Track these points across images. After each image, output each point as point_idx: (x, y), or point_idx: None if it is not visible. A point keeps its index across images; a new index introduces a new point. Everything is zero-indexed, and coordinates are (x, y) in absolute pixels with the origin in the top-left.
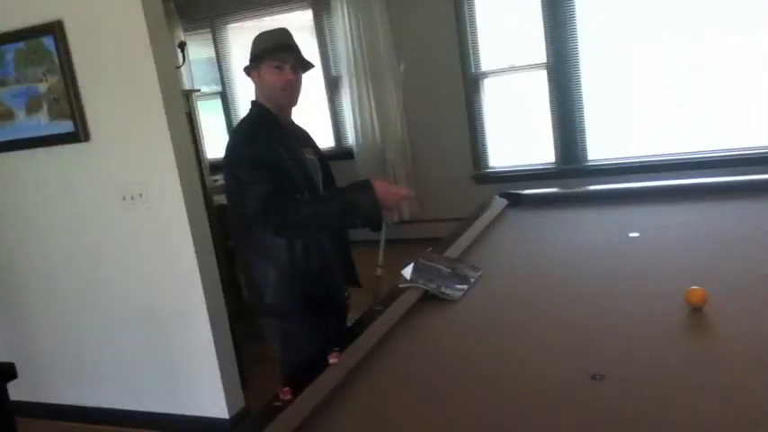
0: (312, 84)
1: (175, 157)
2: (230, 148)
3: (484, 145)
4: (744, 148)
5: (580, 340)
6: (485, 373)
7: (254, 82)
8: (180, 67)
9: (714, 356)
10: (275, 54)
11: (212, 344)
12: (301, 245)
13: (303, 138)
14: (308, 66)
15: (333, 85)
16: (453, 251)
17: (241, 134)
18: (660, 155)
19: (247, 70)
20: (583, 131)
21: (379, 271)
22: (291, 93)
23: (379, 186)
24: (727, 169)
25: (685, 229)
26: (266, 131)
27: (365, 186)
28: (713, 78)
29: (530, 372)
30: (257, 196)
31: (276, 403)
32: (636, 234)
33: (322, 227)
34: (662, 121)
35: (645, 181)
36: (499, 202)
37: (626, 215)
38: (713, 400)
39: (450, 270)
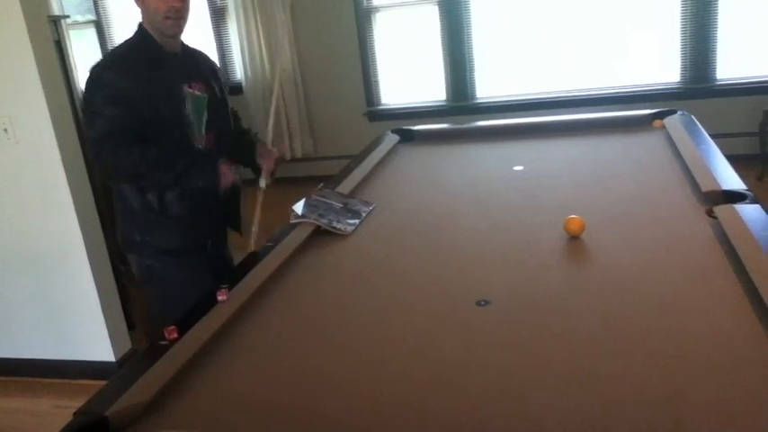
0: (196, 13)
1: (43, 88)
2: (92, 69)
3: (376, 82)
4: (621, 87)
5: (467, 270)
6: (375, 302)
7: (138, 5)
8: None
9: (589, 281)
10: None
11: (93, 285)
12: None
13: (194, 70)
14: None
15: (218, 16)
16: (345, 187)
17: (109, 57)
18: (544, 93)
19: None
20: (472, 70)
21: (254, 227)
22: (177, 21)
23: (223, 170)
24: (606, 106)
25: (566, 162)
26: (139, 59)
27: (210, 170)
28: (595, 20)
29: (419, 300)
30: (97, 130)
31: (162, 342)
32: (520, 167)
33: (149, 183)
34: (545, 61)
35: (529, 117)
36: (391, 138)
37: (511, 150)
38: (588, 321)
39: (342, 205)
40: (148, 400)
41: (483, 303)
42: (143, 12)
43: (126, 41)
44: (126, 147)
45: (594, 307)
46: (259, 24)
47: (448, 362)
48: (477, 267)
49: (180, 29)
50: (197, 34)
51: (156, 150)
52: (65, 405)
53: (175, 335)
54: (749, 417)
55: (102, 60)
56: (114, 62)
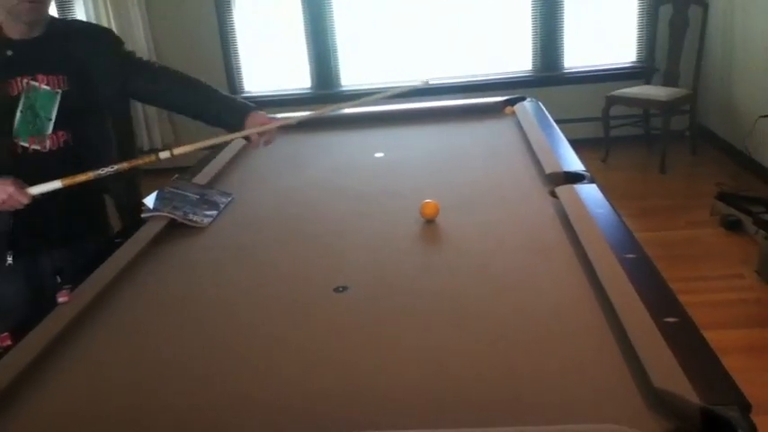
0: None
1: None
2: None
3: (239, 69)
4: (478, 75)
5: (326, 258)
6: (232, 295)
7: None
8: None
9: (442, 263)
10: None
11: None
12: None
13: (46, 60)
14: None
15: None
16: (203, 177)
17: None
18: (405, 81)
19: None
20: (336, 57)
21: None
22: (37, 5)
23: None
24: (464, 94)
25: (423, 149)
26: None
27: None
28: (455, 12)
29: (276, 290)
30: None
31: None
32: (381, 154)
33: None
34: (407, 50)
35: (389, 104)
36: None
37: (373, 137)
38: (440, 301)
39: (198, 196)
40: None
41: (341, 290)
42: None
43: None
44: None
45: (446, 288)
46: (109, 7)
47: (303, 347)
48: (335, 255)
49: (40, 14)
50: None
51: None
52: None
53: (8, 342)
54: (580, 385)
55: None
56: None
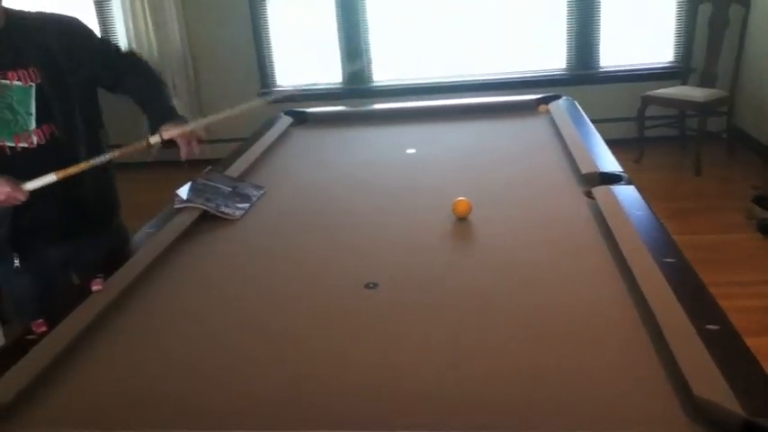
0: None
1: None
2: None
3: (271, 63)
4: (512, 72)
5: (357, 253)
6: (263, 288)
7: None
8: None
9: (474, 261)
10: None
11: None
12: None
13: (13, 54)
14: None
15: None
16: (235, 170)
17: None
18: (438, 77)
19: None
20: (368, 53)
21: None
22: None
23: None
24: (497, 91)
25: (456, 146)
26: None
27: None
28: (488, 8)
29: (308, 285)
30: None
31: (29, 336)
32: (413, 151)
33: None
34: (440, 46)
35: (423, 101)
36: (284, 121)
37: (404, 133)
38: (471, 300)
39: (230, 189)
40: (9, 400)
41: (372, 286)
42: None
43: None
44: None
45: (477, 286)
46: (145, 2)
47: (334, 344)
48: (367, 251)
49: None
50: (77, 11)
51: None
52: None
53: (44, 328)
54: (614, 383)
55: None
56: None
